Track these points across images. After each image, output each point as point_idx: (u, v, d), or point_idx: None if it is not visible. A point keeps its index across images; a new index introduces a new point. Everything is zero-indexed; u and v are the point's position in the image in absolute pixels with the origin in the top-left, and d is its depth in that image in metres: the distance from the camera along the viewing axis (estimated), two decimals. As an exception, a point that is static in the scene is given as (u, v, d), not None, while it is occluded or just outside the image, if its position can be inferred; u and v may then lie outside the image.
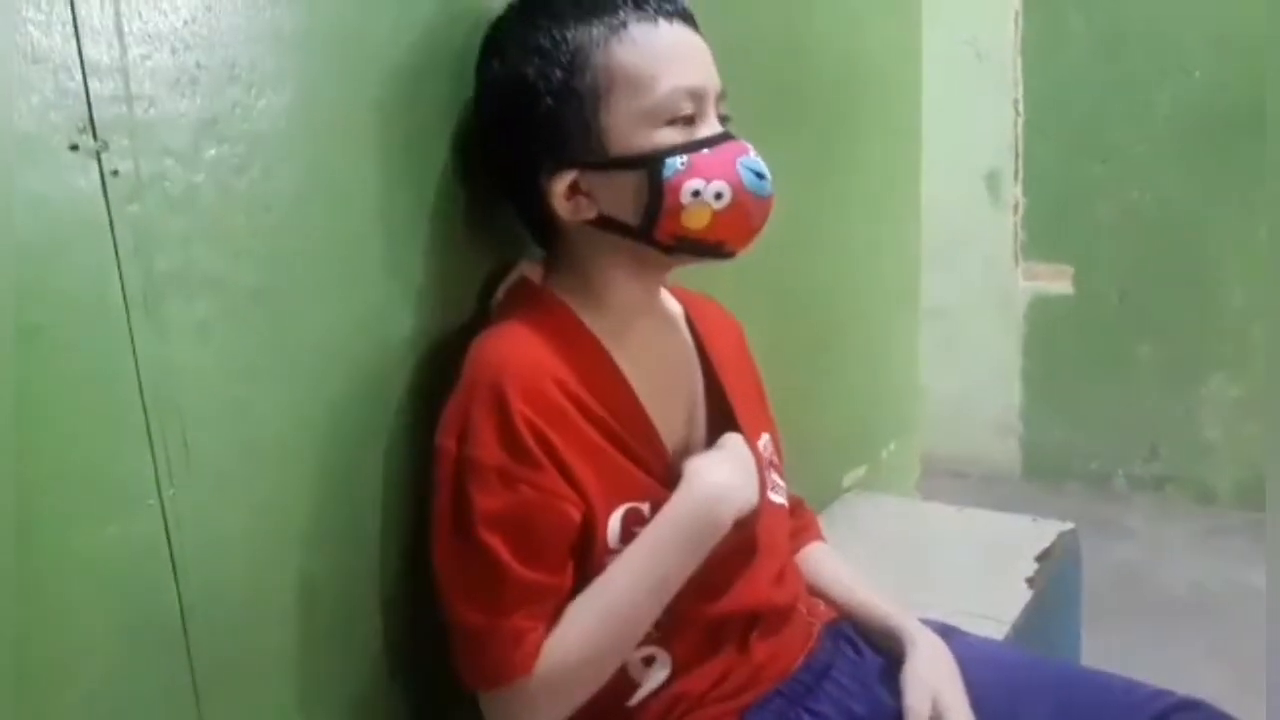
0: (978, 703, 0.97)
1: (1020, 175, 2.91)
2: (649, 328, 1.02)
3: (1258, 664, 1.93)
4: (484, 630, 0.88)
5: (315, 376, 0.90)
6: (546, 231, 0.99)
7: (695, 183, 0.89)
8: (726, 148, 0.92)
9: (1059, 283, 2.87)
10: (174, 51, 0.76)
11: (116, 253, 0.74)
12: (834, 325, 1.79)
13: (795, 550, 1.14)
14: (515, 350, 0.91)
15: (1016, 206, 2.92)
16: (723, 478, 0.94)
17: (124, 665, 0.78)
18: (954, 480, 2.90)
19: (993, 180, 2.95)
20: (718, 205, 0.90)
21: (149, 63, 0.75)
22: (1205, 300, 2.63)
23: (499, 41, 0.94)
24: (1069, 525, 1.56)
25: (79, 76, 0.71)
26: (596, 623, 0.89)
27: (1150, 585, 2.30)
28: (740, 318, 1.19)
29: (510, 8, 0.96)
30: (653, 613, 0.91)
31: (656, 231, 0.91)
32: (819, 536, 1.19)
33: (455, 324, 1.01)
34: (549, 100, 0.89)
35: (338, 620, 0.94)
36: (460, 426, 0.88)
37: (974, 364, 3.05)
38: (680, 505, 0.92)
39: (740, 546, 0.97)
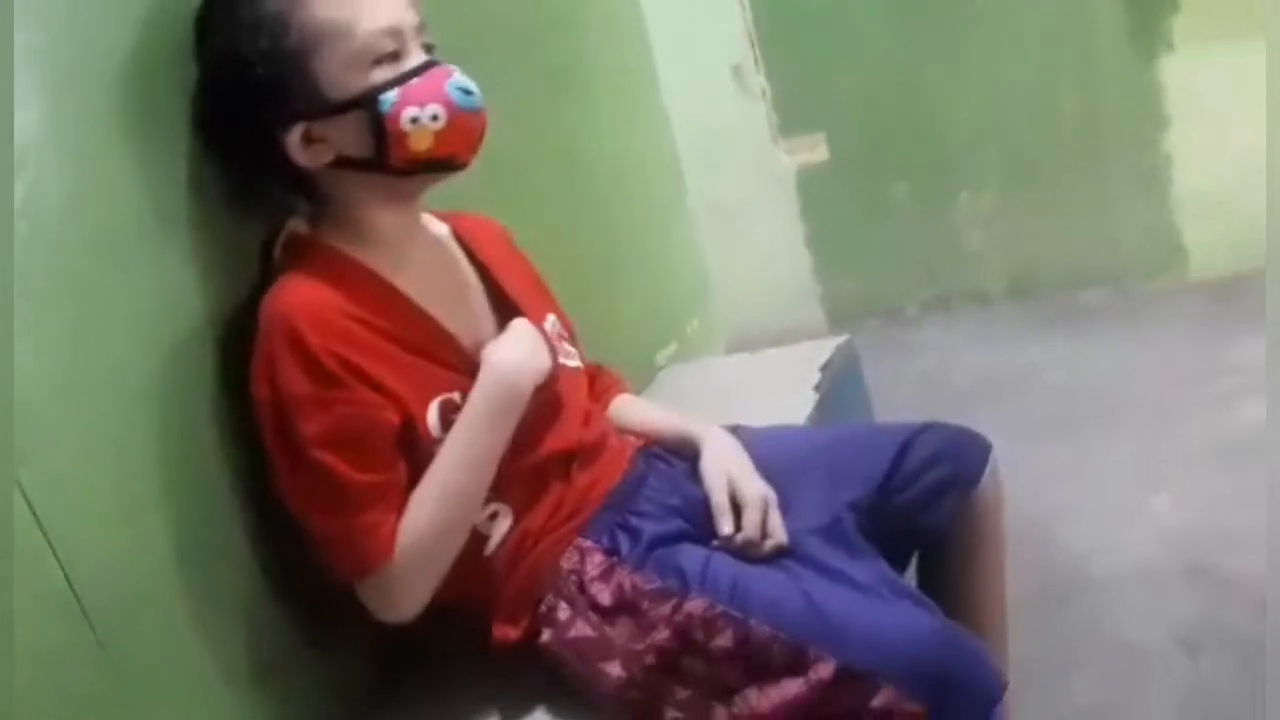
0: (766, 470, 1.17)
1: (760, 64, 3.15)
2: (417, 249, 1.15)
3: (1037, 430, 2.25)
4: (342, 533, 1.02)
5: (131, 359, 1.01)
6: (301, 186, 1.10)
7: (411, 110, 1.02)
8: (433, 74, 1.04)
9: (816, 151, 3.14)
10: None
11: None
12: (610, 228, 1.97)
13: (604, 405, 1.32)
14: (298, 294, 1.02)
15: (764, 93, 3.17)
16: (515, 354, 1.10)
17: (27, 638, 0.88)
18: (770, 346, 3.17)
19: (738, 74, 3.18)
20: (436, 126, 1.03)
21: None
22: (937, 134, 2.95)
23: (206, 22, 1.05)
24: (845, 337, 1.80)
25: None
26: (438, 501, 1.04)
27: (942, 383, 2.61)
28: (519, 235, 1.34)
29: None
30: (484, 480, 1.07)
31: (390, 160, 1.04)
32: (622, 390, 1.37)
33: (244, 291, 1.12)
34: (261, 66, 1.00)
35: (211, 560, 1.06)
36: (268, 372, 1.00)
37: (762, 244, 3.30)
38: (484, 385, 1.08)
39: (545, 404, 1.13)
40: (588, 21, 2.02)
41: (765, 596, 0.99)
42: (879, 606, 0.98)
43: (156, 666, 0.99)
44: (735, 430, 1.26)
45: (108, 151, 1.01)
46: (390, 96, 1.02)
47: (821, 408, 1.57)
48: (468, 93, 1.06)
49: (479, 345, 1.13)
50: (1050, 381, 2.48)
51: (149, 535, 1.01)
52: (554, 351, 1.17)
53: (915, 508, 1.18)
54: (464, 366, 1.10)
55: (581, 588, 1.07)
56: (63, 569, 0.92)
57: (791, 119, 3.16)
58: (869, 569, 1.05)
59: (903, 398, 2.43)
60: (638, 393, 1.74)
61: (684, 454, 1.24)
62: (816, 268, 3.24)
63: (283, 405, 1.00)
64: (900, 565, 1.21)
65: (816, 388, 1.62)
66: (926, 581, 1.25)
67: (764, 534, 1.10)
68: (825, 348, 1.75)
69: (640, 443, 1.26)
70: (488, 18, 1.64)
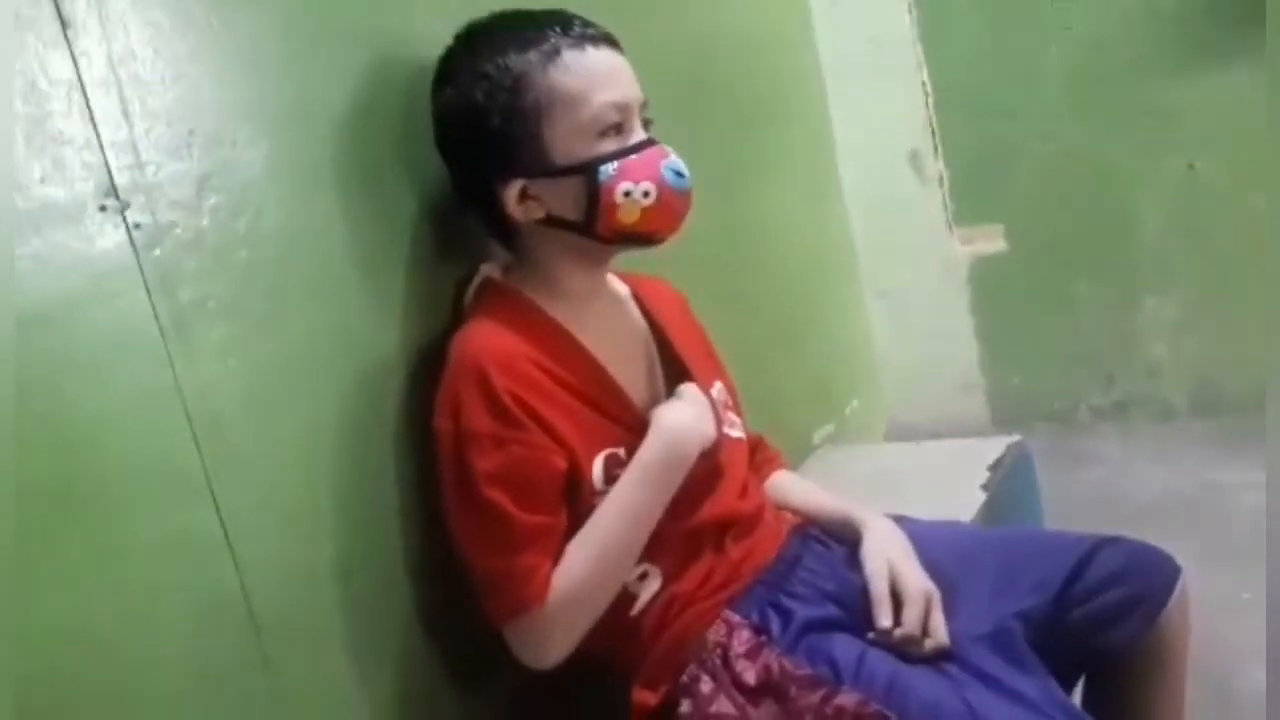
0: (931, 567, 1.13)
1: (939, 150, 3.11)
2: (601, 307, 1.19)
3: (1224, 550, 2.09)
4: (499, 571, 1.03)
5: (325, 386, 1.07)
6: (504, 234, 1.16)
7: (626, 184, 1.07)
8: (651, 152, 1.10)
9: (993, 242, 3.06)
10: (169, 124, 0.94)
11: (148, 290, 0.91)
12: (782, 304, 1.97)
13: (762, 480, 1.30)
14: (489, 337, 1.08)
15: (941, 179, 3.12)
16: (684, 418, 1.11)
17: (197, 640, 0.92)
18: (930, 439, 3.07)
19: (915, 160, 3.15)
20: (646, 202, 1.08)
21: (152, 135, 0.92)
22: (1124, 231, 2.83)
23: (449, 71, 1.12)
24: (1016, 437, 1.72)
25: (99, 152, 0.88)
26: (594, 553, 1.05)
27: (1120, 497, 2.45)
28: (694, 306, 1.36)
29: (457, 39, 1.13)
30: (640, 538, 1.07)
31: (597, 227, 1.09)
32: (782, 465, 1.35)
33: (436, 328, 1.18)
34: (497, 119, 1.07)
35: (374, 588, 1.09)
36: (452, 407, 1.05)
37: (929, 333, 3.22)
38: (651, 445, 1.08)
39: (707, 472, 1.13)
40: (774, 115, 2.05)
41: (925, 699, 0.94)
42: (1045, 727, 0.92)
43: (312, 686, 1.02)
44: (899, 520, 1.21)
45: (323, 192, 1.09)
46: (609, 168, 1.07)
47: (990, 509, 1.50)
48: (680, 175, 1.11)
49: (648, 404, 1.15)
50: (1238, 506, 2.29)
51: (322, 556, 1.05)
52: (719, 419, 1.16)
53: (1092, 626, 1.10)
54: (633, 423, 1.11)
55: (726, 662, 1.04)
56: (240, 576, 0.96)
57: (968, 208, 3.09)
58: (1036, 686, 0.98)
59: (1075, 508, 2.30)
60: (794, 467, 1.72)
61: (843, 538, 1.20)
62: (984, 362, 3.13)
63: (462, 439, 1.03)
64: (1067, 687, 1.13)
65: (985, 487, 1.55)
66: (1095, 708, 1.16)
67: (925, 632, 1.05)
68: (994, 445, 1.68)
69: (797, 521, 1.23)
70: (687, 108, 1.69)
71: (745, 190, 1.89)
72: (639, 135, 1.10)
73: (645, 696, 1.07)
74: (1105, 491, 2.48)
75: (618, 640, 1.09)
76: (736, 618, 1.08)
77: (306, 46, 1.08)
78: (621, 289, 1.25)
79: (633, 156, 1.08)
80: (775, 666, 1.01)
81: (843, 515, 1.21)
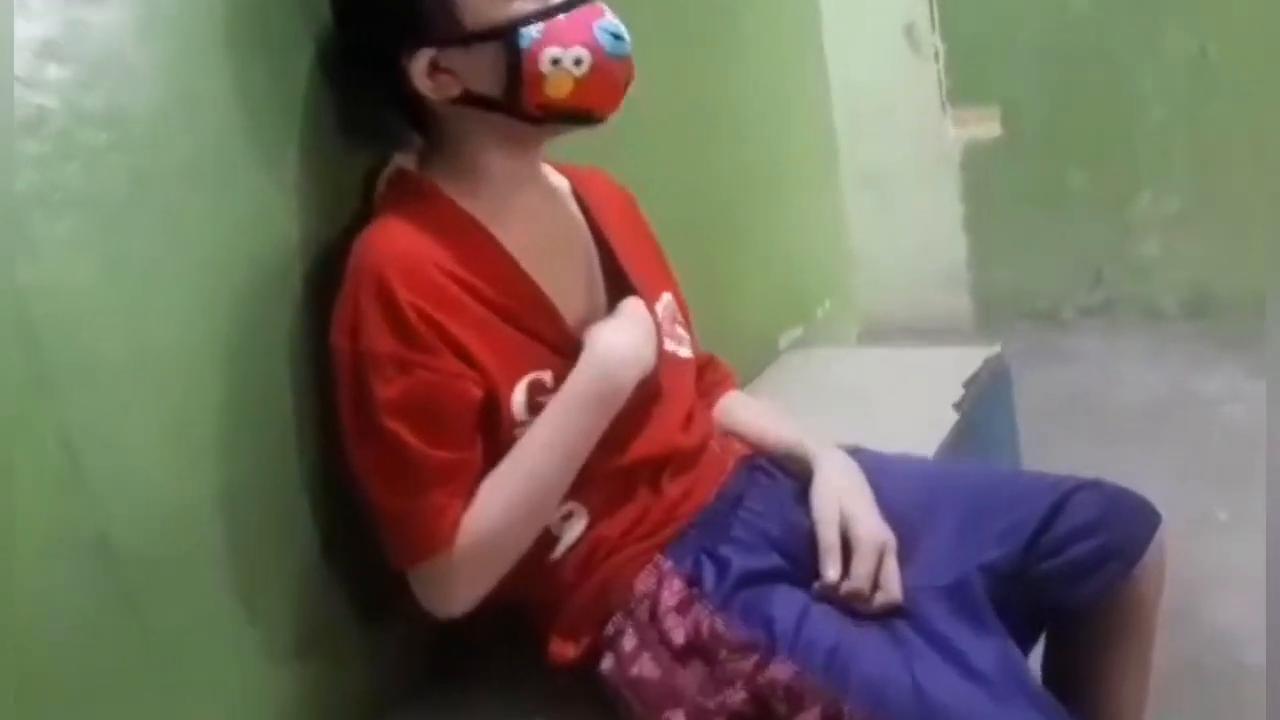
0: (888, 509, 1.01)
1: (937, 22, 2.88)
2: (531, 203, 1.03)
3: (1206, 464, 2.01)
4: (402, 511, 0.91)
5: (205, 284, 0.92)
6: (417, 116, 0.99)
7: (553, 50, 0.90)
8: (581, 12, 0.92)
9: (988, 125, 2.87)
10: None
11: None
12: (747, 189, 1.80)
13: (710, 403, 1.17)
14: (394, 241, 0.92)
15: (937, 54, 2.90)
16: (622, 342, 0.97)
17: (49, 588, 0.81)
18: (907, 337, 2.95)
19: (911, 33, 2.92)
20: (578, 71, 0.91)
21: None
22: (1126, 121, 2.64)
23: None
24: (995, 349, 1.60)
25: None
26: (511, 494, 0.93)
27: (1100, 402, 2.36)
28: (646, 194, 1.21)
29: None
30: (565, 479, 0.95)
31: (522, 102, 0.92)
32: (733, 387, 1.22)
33: (340, 222, 1.02)
34: None
35: (265, 519, 0.97)
36: (351, 322, 0.90)
37: (916, 221, 3.06)
38: (583, 374, 0.95)
39: (644, 398, 1.00)
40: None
41: (868, 675, 0.84)
42: (994, 711, 0.82)
43: (194, 626, 0.92)
44: (856, 453, 1.10)
45: (202, 61, 0.92)
46: (531, 32, 0.90)
47: (961, 431, 1.39)
48: (617, 38, 0.93)
49: (583, 318, 1.01)
50: (1222, 419, 2.20)
51: (200, 484, 0.92)
52: (662, 338, 1.03)
53: (1060, 580, 0.99)
54: (562, 344, 0.98)
55: (654, 616, 0.94)
56: (93, 504, 0.83)
57: (964, 87, 2.88)
58: (991, 651, 0.88)
59: (1050, 414, 2.21)
60: (750, 381, 1.60)
61: (790, 469, 1.08)
62: (971, 254, 2.99)
63: (361, 360, 0.90)
64: (1028, 642, 1.03)
65: (958, 406, 1.44)
66: (1057, 666, 1.07)
67: (875, 585, 0.95)
68: (972, 358, 1.56)
69: (744, 451, 1.11)
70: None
71: (707, 61, 1.70)
72: None
73: (563, 648, 0.97)
74: (1083, 398, 2.39)
75: (535, 586, 0.98)
76: (669, 564, 0.97)
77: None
78: (559, 182, 1.09)
79: (560, 17, 0.91)
80: (706, 626, 0.90)
81: (792, 447, 1.09)
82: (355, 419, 0.92)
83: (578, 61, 0.91)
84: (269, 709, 0.98)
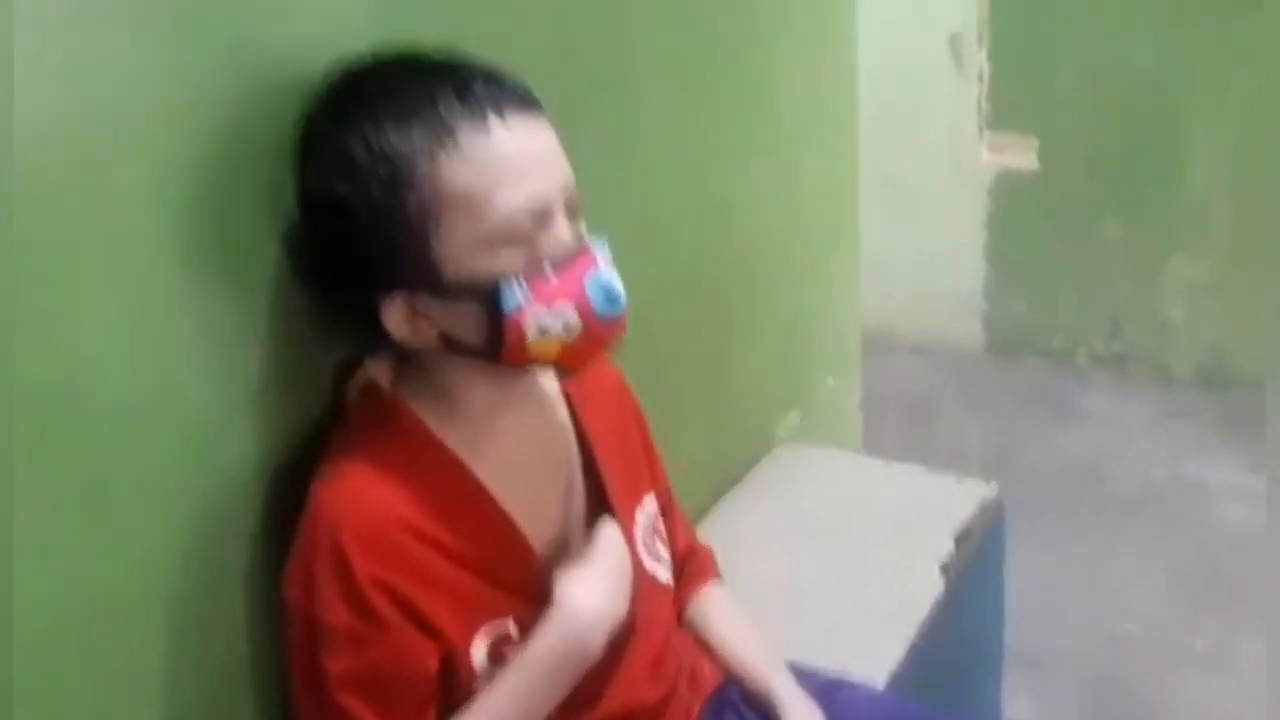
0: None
1: (985, 39, 2.72)
2: (511, 425, 0.95)
3: (1192, 566, 1.98)
4: None
5: (146, 516, 0.85)
6: (389, 343, 0.91)
7: (539, 317, 0.82)
8: (574, 265, 0.83)
9: (1024, 157, 2.74)
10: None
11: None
12: (747, 254, 1.68)
13: (683, 603, 1.13)
14: (357, 497, 0.85)
15: (981, 74, 2.75)
16: (592, 606, 0.90)
17: None
18: (916, 357, 2.89)
19: (955, 45, 2.76)
20: (569, 338, 0.83)
21: None
22: (1171, 177, 2.52)
23: (310, 144, 0.83)
24: (991, 490, 1.55)
25: None
26: None
27: (1098, 478, 2.32)
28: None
29: (321, 100, 0.84)
30: None
31: (503, 358, 0.85)
32: (713, 575, 1.17)
33: (304, 429, 0.95)
34: (369, 222, 0.80)
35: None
36: (304, 579, 0.85)
37: (935, 238, 2.96)
38: (549, 635, 0.89)
39: (615, 642, 0.95)
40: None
41: None
42: None
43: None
44: (832, 691, 1.06)
45: (151, 246, 0.81)
46: (516, 294, 0.81)
47: (945, 602, 1.35)
48: (611, 296, 0.84)
49: (556, 538, 0.96)
50: (1218, 518, 2.16)
51: None
52: (640, 558, 0.99)
53: None
54: (531, 587, 0.92)
55: None
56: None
57: (1004, 113, 2.74)
58: None
59: (1045, 485, 2.18)
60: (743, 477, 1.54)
61: (760, 709, 1.05)
62: (988, 283, 2.90)
63: (314, 627, 0.85)
64: None
65: (945, 569, 1.39)
66: None
67: None
68: (966, 501, 1.51)
69: (714, 680, 1.07)
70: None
71: (732, 142, 1.59)
72: (561, 236, 0.84)
73: None
74: (1081, 467, 2.35)
75: None
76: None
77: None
78: (548, 385, 1.02)
79: (549, 273, 0.82)
80: None
81: (761, 687, 1.05)
82: (306, 683, 0.87)
83: (567, 328, 0.83)
84: None
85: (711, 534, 1.33)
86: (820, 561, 1.45)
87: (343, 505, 0.85)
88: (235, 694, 0.94)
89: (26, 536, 0.76)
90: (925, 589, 1.37)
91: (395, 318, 0.85)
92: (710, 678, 1.08)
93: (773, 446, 1.75)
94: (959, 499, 1.53)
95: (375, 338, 0.89)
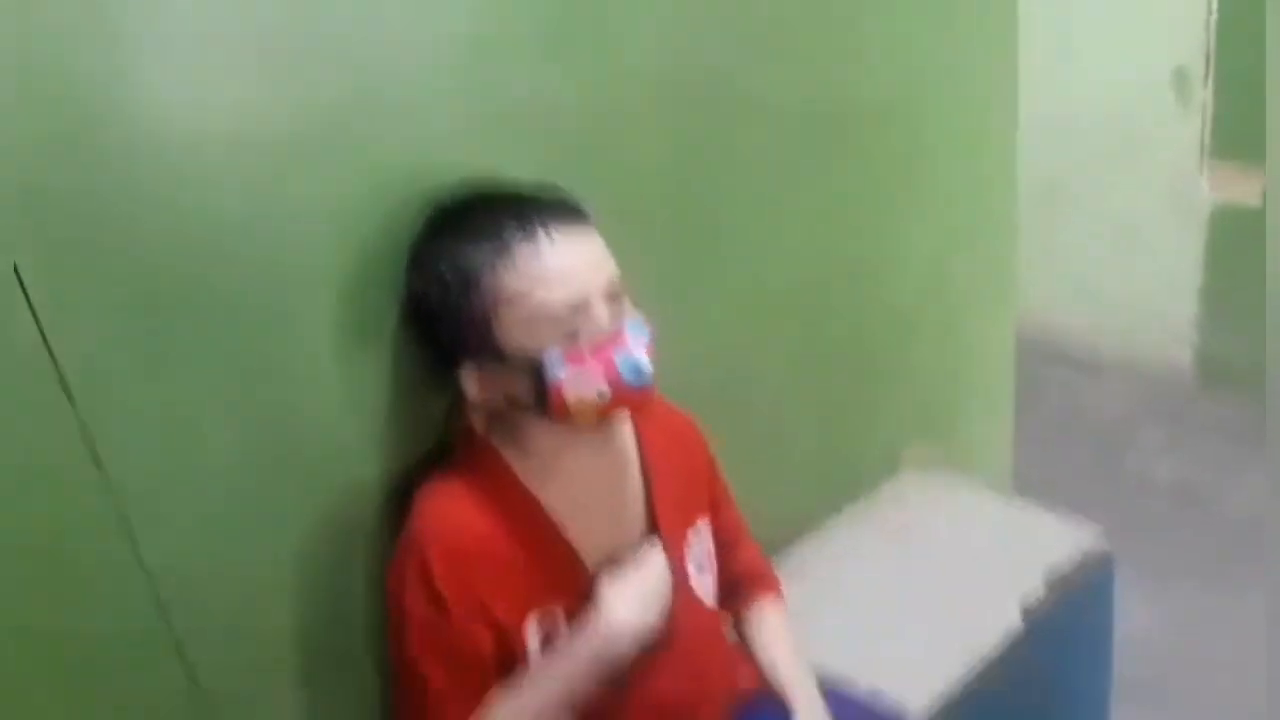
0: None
1: (1211, 73, 2.61)
2: (576, 462, 1.14)
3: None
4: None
5: (302, 510, 1.13)
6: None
7: (577, 385, 1.03)
8: (606, 350, 1.04)
9: (1247, 193, 2.61)
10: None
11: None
12: (909, 310, 1.81)
13: (742, 609, 1.32)
14: (444, 514, 1.09)
15: (1205, 108, 2.64)
16: (624, 614, 1.10)
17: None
18: (1122, 385, 2.86)
19: (1180, 78, 2.66)
20: (602, 402, 1.05)
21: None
22: None
23: (415, 258, 1.10)
24: (1099, 542, 1.57)
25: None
26: None
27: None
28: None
29: (428, 219, 1.10)
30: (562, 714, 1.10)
31: (551, 415, 1.07)
32: (764, 595, 1.34)
33: (418, 457, 1.19)
34: (447, 316, 1.06)
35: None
36: (399, 573, 1.10)
37: (1149, 272, 2.88)
38: (585, 634, 1.10)
39: (647, 645, 1.13)
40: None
41: None
42: None
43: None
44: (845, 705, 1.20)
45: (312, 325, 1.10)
46: (558, 368, 1.03)
47: (1027, 644, 1.41)
48: (638, 370, 1.05)
49: (607, 557, 1.16)
50: None
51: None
52: (682, 582, 1.17)
53: None
54: (579, 588, 1.13)
55: None
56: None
57: (1228, 149, 2.62)
58: None
59: (1240, 516, 2.08)
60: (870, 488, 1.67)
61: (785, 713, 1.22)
62: (1201, 319, 2.78)
63: (402, 611, 1.09)
64: None
65: (1027, 611, 1.46)
66: None
67: None
68: (1071, 545, 1.54)
69: (747, 688, 1.25)
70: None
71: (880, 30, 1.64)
72: (599, 320, 1.04)
73: None
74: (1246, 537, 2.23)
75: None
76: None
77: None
78: (623, 426, 1.20)
79: (585, 355, 1.03)
80: None
81: (781, 690, 1.23)
82: (397, 652, 1.11)
83: (600, 395, 1.04)
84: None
85: (811, 545, 1.47)
86: (901, 582, 1.54)
87: (432, 519, 1.10)
88: (359, 649, 1.22)
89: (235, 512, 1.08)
90: (999, 625, 1.43)
91: (469, 381, 1.09)
92: (747, 685, 1.26)
93: (898, 471, 1.86)
94: (1064, 542, 1.57)
95: (461, 399, 1.14)
